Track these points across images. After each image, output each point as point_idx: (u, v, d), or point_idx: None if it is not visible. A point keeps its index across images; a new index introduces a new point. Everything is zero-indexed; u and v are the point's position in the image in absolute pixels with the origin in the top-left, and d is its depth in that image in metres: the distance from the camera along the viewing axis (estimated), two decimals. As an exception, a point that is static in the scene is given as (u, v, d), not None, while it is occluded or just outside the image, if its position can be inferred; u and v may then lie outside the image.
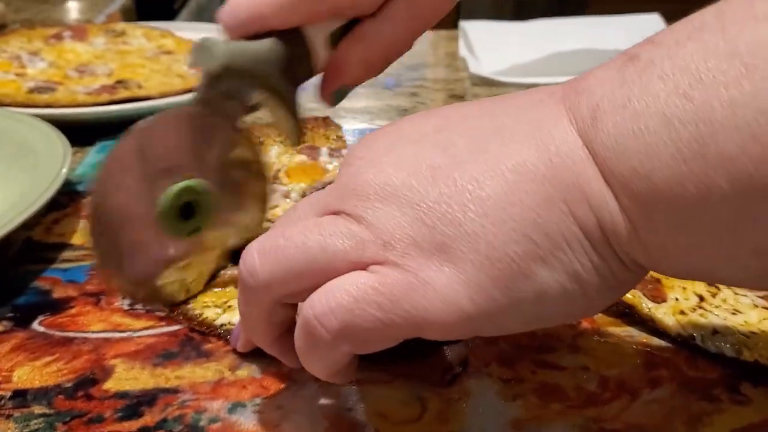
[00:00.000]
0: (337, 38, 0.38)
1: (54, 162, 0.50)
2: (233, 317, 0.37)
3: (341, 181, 0.30)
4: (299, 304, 0.30)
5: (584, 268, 0.27)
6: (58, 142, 0.52)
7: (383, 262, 0.27)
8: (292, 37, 0.36)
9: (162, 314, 0.40)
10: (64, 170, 0.48)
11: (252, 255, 0.29)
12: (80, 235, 0.48)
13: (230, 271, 0.40)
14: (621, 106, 0.26)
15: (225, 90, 0.36)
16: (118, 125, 0.64)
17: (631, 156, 0.25)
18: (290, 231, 0.29)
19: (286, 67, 0.36)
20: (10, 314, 0.40)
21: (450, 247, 0.27)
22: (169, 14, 1.24)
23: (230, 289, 0.40)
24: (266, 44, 0.35)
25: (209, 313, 0.38)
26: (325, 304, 0.28)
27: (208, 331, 0.38)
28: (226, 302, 0.38)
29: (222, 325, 0.37)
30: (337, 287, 0.28)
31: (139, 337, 0.38)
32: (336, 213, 0.29)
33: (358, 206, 0.28)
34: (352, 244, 0.28)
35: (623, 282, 0.28)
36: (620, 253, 0.27)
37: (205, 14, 1.53)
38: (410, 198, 0.28)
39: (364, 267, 0.28)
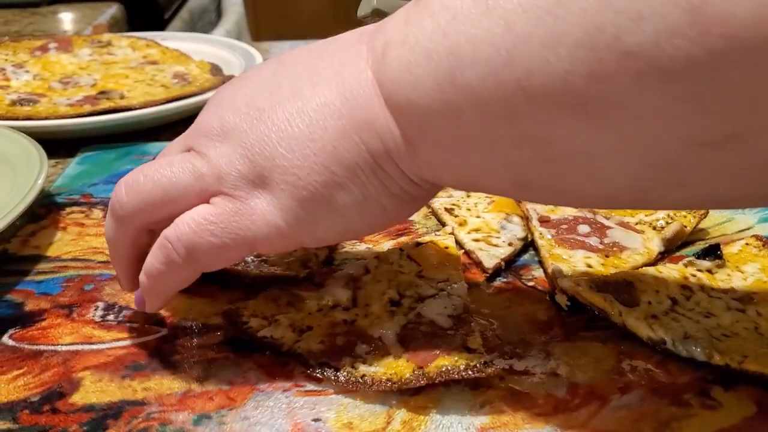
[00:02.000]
0: None
1: (31, 174, 0.50)
2: (276, 331, 0.37)
3: (197, 121, 0.36)
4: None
5: (375, 189, 0.33)
6: (35, 153, 0.52)
7: (219, 193, 0.33)
8: None
9: (134, 325, 0.40)
10: (40, 181, 0.48)
11: (120, 189, 0.36)
12: (56, 247, 0.48)
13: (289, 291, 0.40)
14: (401, 42, 0.30)
15: None
16: (100, 136, 0.65)
17: (405, 86, 0.30)
18: (150, 168, 0.35)
19: None
20: (-19, 328, 0.40)
21: (267, 178, 0.32)
22: (160, 25, 1.24)
23: (282, 302, 0.39)
24: None
25: (254, 323, 0.38)
26: (174, 233, 0.34)
27: (248, 338, 0.37)
28: (273, 315, 0.38)
29: (264, 337, 0.37)
30: (183, 220, 0.34)
31: (109, 348, 0.38)
32: (189, 150, 0.35)
33: (203, 144, 0.34)
34: (195, 178, 0.34)
35: (417, 197, 0.34)
36: (407, 172, 0.32)
37: (198, 25, 1.54)
38: (239, 137, 0.33)
39: (208, 198, 0.34)
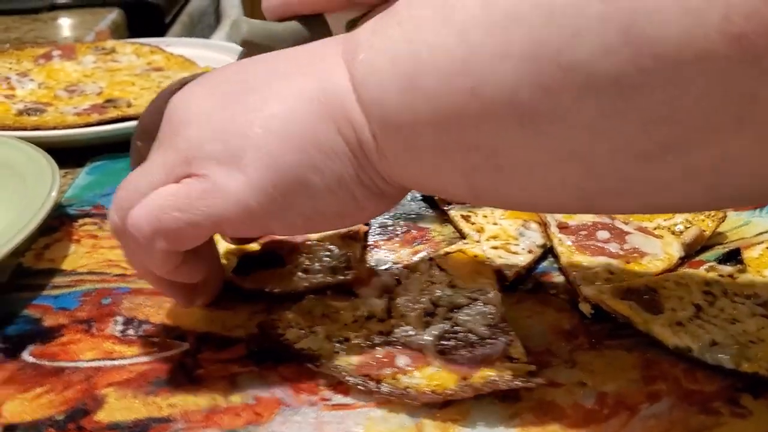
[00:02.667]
0: (354, 24, 0.41)
1: (42, 185, 0.50)
2: (313, 343, 0.37)
3: (164, 119, 0.36)
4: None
5: (349, 176, 0.33)
6: (46, 164, 0.52)
7: (189, 175, 0.33)
8: (314, 22, 0.40)
9: (156, 340, 0.39)
10: (54, 194, 0.48)
11: (112, 215, 0.36)
12: (71, 260, 0.48)
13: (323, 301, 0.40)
14: (368, 46, 0.32)
15: None
16: (108, 145, 0.64)
17: (371, 88, 0.31)
18: (127, 183, 0.36)
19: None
20: (1, 345, 0.40)
21: (239, 157, 0.32)
22: (161, 29, 1.23)
23: (317, 313, 0.39)
24: (288, 26, 0.40)
25: (291, 335, 0.37)
26: (138, 213, 0.34)
27: (283, 350, 0.37)
28: (310, 327, 0.38)
29: (302, 349, 0.37)
30: (148, 199, 0.34)
31: (131, 364, 0.38)
32: (159, 145, 0.35)
33: (170, 134, 0.35)
34: (166, 172, 0.34)
35: (388, 194, 0.35)
36: (377, 167, 0.33)
37: (197, 28, 1.53)
38: (207, 119, 0.33)
39: (178, 181, 0.34)
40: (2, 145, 0.55)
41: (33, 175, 0.51)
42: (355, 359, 0.36)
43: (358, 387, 0.35)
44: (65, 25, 1.11)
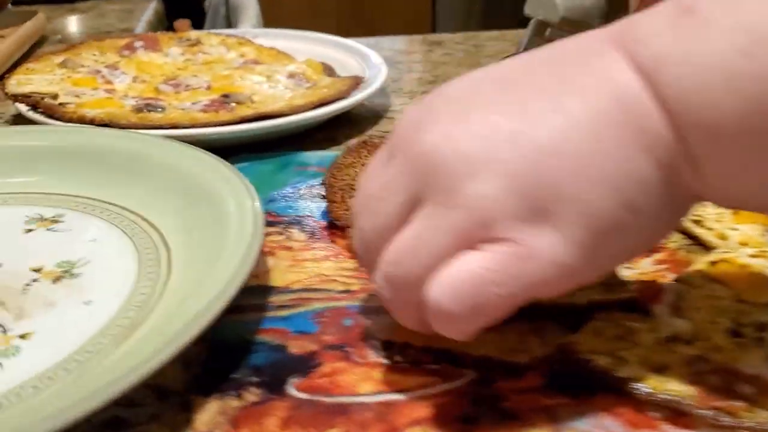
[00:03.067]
0: None
1: (221, 193, 0.44)
2: (629, 371, 0.33)
3: (413, 160, 0.30)
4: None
5: (663, 205, 0.29)
6: (225, 170, 0.46)
7: (489, 241, 0.28)
8: None
9: (434, 367, 0.35)
10: (257, 203, 0.42)
11: (380, 283, 0.32)
12: (276, 275, 0.43)
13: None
14: (681, 61, 0.27)
15: (549, 37, 0.40)
16: (239, 145, 0.59)
17: (695, 107, 0.27)
18: (400, 253, 0.31)
19: (607, 17, 0.39)
20: (255, 378, 0.35)
21: (548, 210, 0.28)
22: (199, 19, 1.17)
23: (609, 335, 0.35)
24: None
25: (602, 361, 0.33)
26: (446, 293, 0.29)
27: (595, 378, 0.33)
28: (613, 352, 0.34)
29: (623, 378, 0.33)
30: (451, 275, 0.29)
31: (421, 397, 0.33)
32: (418, 201, 0.30)
33: (446, 188, 0.29)
34: (455, 237, 0.29)
35: (682, 213, 0.32)
36: (689, 186, 0.29)
37: (217, 18, 1.47)
38: (494, 168, 0.28)
39: (472, 245, 0.29)
40: (159, 147, 0.50)
41: (209, 183, 0.46)
42: (690, 389, 0.32)
43: (710, 421, 0.31)
44: (110, 15, 1.04)
